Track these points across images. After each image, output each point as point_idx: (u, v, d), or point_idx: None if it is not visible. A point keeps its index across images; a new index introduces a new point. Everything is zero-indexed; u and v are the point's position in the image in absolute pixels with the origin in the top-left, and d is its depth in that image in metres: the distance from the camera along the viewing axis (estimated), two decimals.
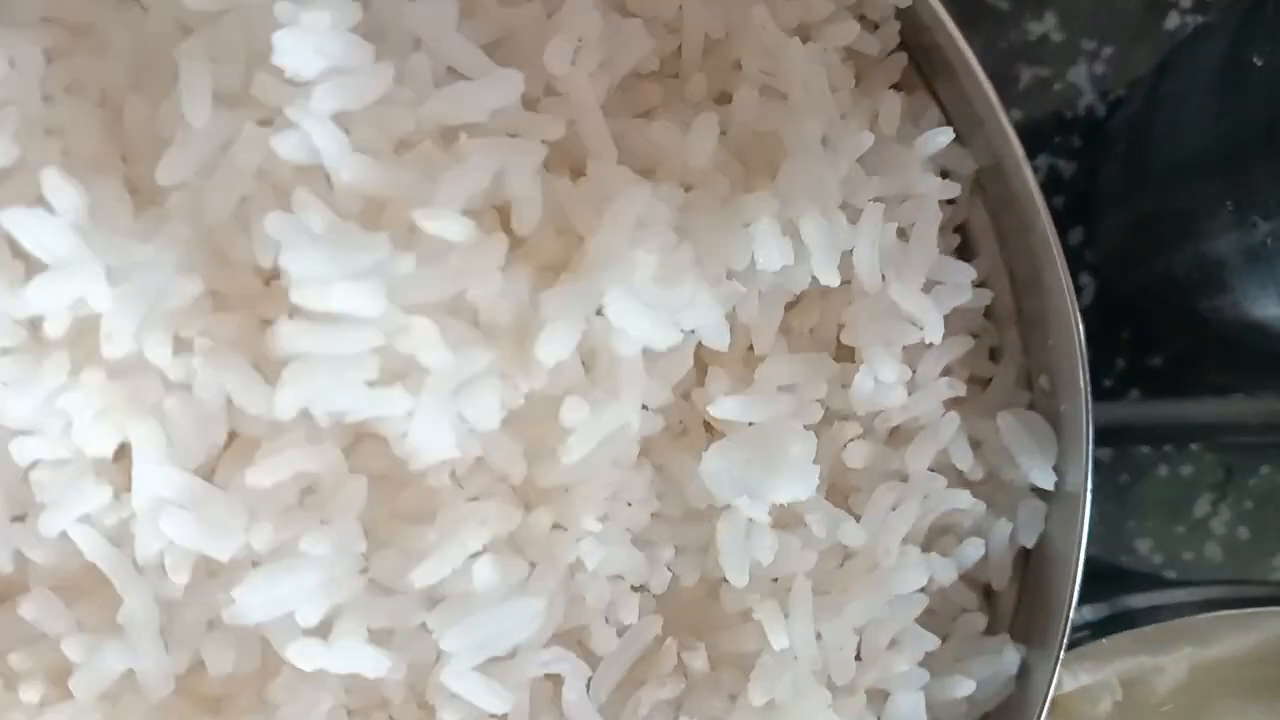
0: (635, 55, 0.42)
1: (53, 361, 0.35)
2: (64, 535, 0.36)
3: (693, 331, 0.40)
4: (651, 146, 0.41)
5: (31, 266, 0.35)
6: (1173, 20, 0.61)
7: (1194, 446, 0.62)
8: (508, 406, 0.36)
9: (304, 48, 0.35)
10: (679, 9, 0.44)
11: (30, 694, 0.35)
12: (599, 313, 0.37)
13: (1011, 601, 0.47)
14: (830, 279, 0.41)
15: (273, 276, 0.36)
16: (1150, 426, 0.60)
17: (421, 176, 0.36)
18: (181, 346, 0.35)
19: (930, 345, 0.43)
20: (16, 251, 0.36)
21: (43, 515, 0.36)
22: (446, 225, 0.34)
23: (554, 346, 0.36)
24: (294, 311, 0.35)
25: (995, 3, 0.61)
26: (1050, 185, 0.61)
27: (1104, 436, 0.45)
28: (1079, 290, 0.53)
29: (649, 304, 0.37)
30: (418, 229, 0.35)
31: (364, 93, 0.36)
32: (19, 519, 0.37)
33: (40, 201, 0.35)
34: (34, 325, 0.36)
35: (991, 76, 0.45)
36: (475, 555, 0.36)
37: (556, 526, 0.38)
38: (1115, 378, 0.61)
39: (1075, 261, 0.58)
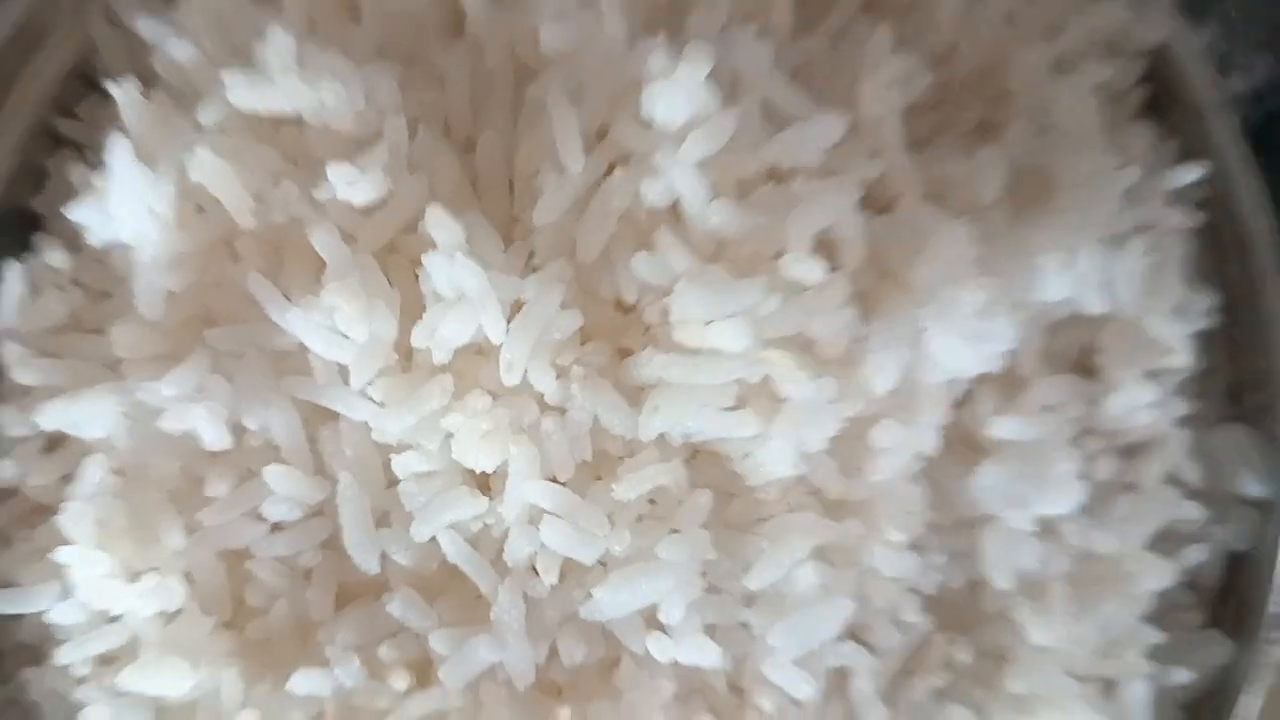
0: (917, 90, 0.45)
1: (438, 386, 0.38)
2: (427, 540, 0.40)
3: None
4: (936, 178, 0.44)
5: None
6: None
7: None
8: (835, 430, 0.40)
9: (676, 98, 0.37)
10: (951, 44, 0.47)
11: (399, 683, 0.39)
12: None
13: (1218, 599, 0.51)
14: (1098, 308, 0.45)
15: (629, 309, 0.39)
16: None
17: (768, 219, 0.39)
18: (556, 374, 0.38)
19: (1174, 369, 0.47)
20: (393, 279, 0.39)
21: (415, 522, 0.39)
22: (806, 269, 0.38)
23: (885, 376, 0.39)
24: (656, 342, 0.38)
25: None
26: None
27: None
28: None
29: (967, 337, 0.40)
30: (773, 268, 0.38)
31: (716, 139, 0.39)
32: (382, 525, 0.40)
33: (417, 235, 0.38)
34: (402, 350, 0.40)
35: None
36: (800, 561, 0.40)
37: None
38: None
39: None
